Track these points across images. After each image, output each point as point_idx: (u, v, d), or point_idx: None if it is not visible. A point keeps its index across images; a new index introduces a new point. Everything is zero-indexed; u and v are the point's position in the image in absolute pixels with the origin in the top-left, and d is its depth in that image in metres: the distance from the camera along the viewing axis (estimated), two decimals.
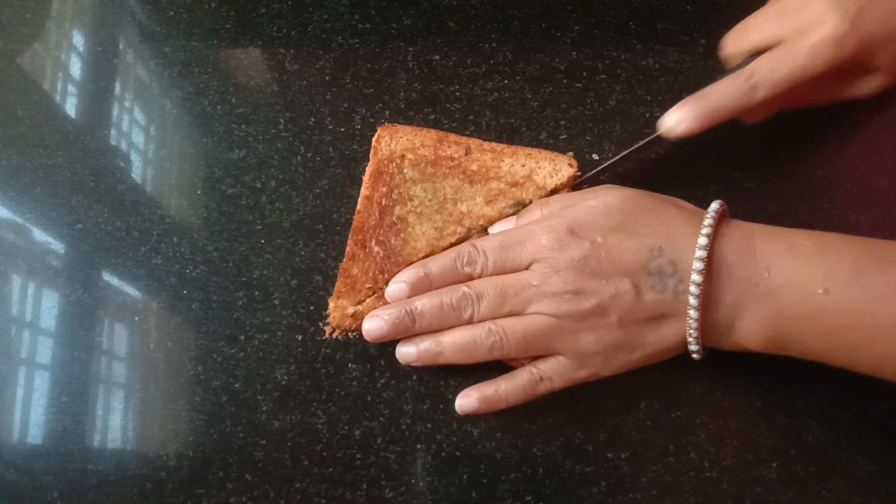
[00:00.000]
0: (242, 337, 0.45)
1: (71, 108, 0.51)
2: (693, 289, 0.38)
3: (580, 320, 0.39)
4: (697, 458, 0.44)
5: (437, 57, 0.50)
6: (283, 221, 0.48)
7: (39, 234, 0.47)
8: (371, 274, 0.44)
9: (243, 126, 0.50)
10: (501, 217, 0.44)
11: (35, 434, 0.44)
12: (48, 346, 0.46)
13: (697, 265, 0.38)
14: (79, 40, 0.52)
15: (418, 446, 0.44)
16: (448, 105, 0.49)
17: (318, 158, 0.49)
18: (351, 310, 0.44)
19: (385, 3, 0.53)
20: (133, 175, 0.49)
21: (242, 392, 0.45)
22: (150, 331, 0.46)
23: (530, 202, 0.44)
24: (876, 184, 0.47)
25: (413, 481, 0.44)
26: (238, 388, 0.45)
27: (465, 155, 0.45)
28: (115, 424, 0.44)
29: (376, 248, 0.44)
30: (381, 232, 0.44)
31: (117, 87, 0.51)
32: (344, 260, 0.44)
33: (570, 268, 0.39)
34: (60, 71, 0.52)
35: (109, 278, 0.47)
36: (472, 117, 0.49)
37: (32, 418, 0.44)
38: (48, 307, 0.46)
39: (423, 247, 0.44)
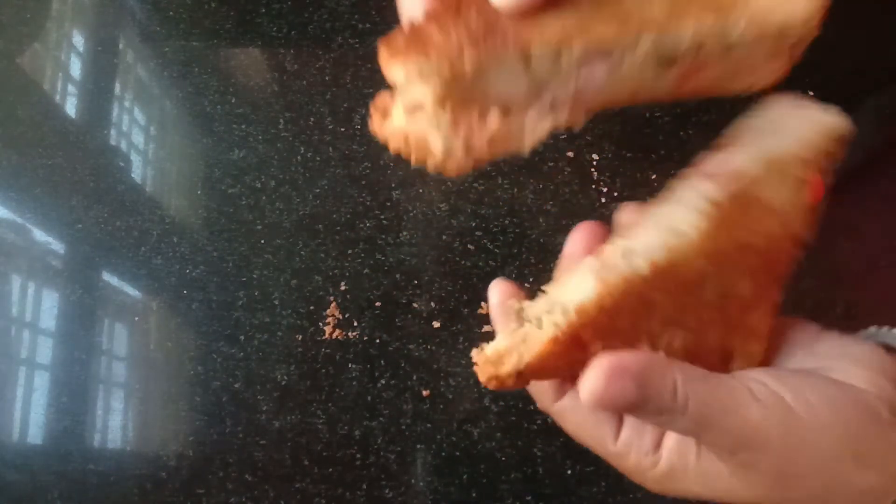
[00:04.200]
0: (242, 337, 0.45)
1: (71, 108, 0.51)
2: None
3: None
4: None
5: None
6: (283, 221, 0.48)
7: (39, 234, 0.47)
8: (453, 41, 0.27)
9: (243, 126, 0.50)
10: (690, 39, 0.26)
11: (35, 434, 0.44)
12: (48, 346, 0.46)
13: None
14: (79, 40, 0.52)
15: (418, 446, 0.44)
16: None
17: (318, 158, 0.49)
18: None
19: (385, 3, 0.53)
20: (133, 175, 0.49)
21: (242, 392, 0.45)
22: (150, 331, 0.46)
23: (742, 32, 0.26)
24: None
25: (413, 481, 0.44)
26: (238, 388, 0.45)
27: None
28: (115, 424, 0.44)
29: (475, 15, 0.27)
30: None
31: (117, 87, 0.51)
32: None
33: None
34: (60, 71, 0.52)
35: (109, 278, 0.47)
36: None
37: (32, 418, 0.44)
38: (48, 307, 0.46)
39: (554, 34, 0.26)
